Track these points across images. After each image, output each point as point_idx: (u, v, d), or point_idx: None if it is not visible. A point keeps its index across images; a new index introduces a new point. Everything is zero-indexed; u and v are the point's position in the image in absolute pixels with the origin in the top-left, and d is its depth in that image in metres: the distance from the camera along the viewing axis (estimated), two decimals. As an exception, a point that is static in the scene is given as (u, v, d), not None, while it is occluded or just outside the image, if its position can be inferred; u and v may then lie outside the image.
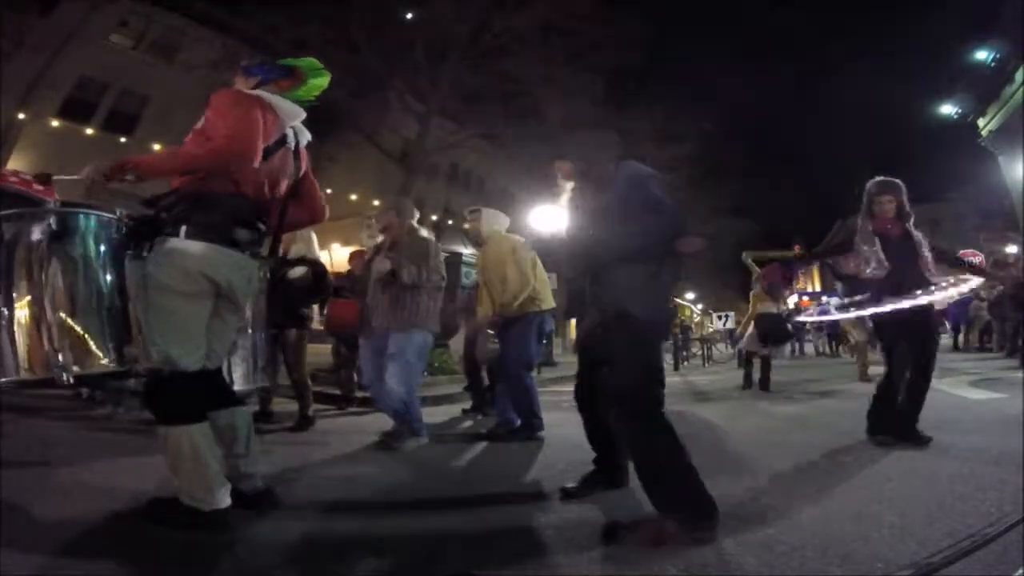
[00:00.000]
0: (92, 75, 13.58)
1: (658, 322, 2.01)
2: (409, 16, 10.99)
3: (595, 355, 2.26)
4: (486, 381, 5.08)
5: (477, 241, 4.20)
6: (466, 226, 4.28)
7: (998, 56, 17.28)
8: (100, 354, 1.94)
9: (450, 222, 15.53)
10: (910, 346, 3.28)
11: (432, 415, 4.54)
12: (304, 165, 2.30)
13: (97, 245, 1.98)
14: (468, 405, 5.34)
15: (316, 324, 4.77)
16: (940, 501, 2.15)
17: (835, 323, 13.10)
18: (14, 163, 11.23)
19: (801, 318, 3.30)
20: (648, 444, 1.93)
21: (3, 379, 1.91)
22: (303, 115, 2.23)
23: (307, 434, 4.06)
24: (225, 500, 1.94)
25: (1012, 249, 16.90)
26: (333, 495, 2.47)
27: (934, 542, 1.73)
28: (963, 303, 12.66)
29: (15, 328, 1.88)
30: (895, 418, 3.23)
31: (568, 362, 11.60)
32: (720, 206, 17.94)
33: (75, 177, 1.97)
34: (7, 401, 3.40)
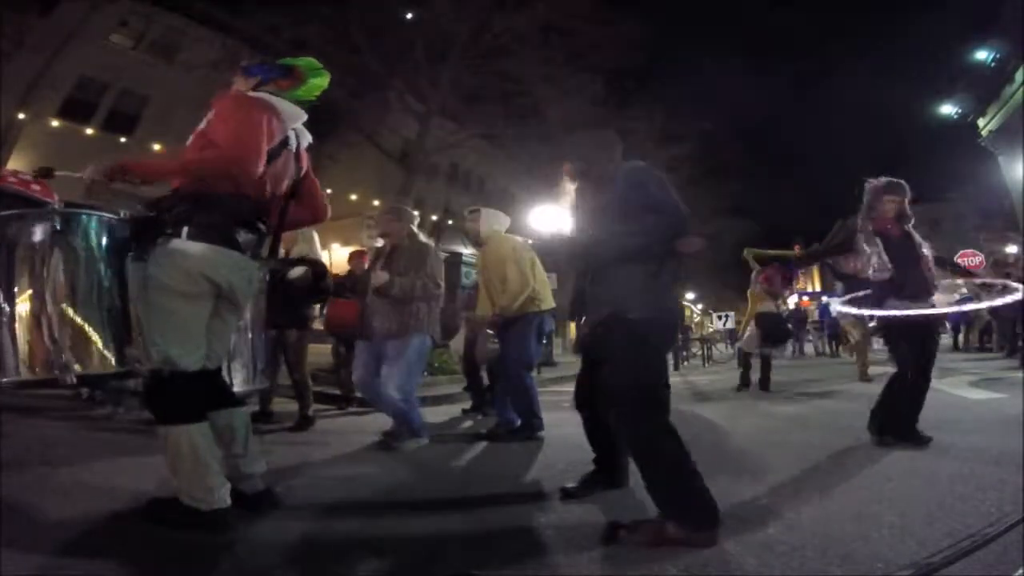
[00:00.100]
0: (92, 75, 13.59)
1: (659, 322, 1.97)
2: (409, 16, 10.99)
3: (596, 355, 2.26)
4: (486, 381, 5.08)
5: (477, 241, 4.20)
6: (466, 226, 4.28)
7: (998, 56, 17.28)
8: (102, 355, 1.94)
9: (450, 222, 15.52)
10: (910, 346, 3.29)
11: (432, 415, 4.54)
12: (305, 165, 2.31)
13: (99, 246, 1.98)
14: (468, 405, 5.34)
15: (316, 324, 4.77)
16: (940, 501, 2.15)
17: (835, 323, 13.13)
18: (14, 163, 11.23)
19: (843, 308, 3.27)
20: (648, 446, 1.92)
21: (5, 379, 1.91)
22: (304, 117, 2.23)
23: (307, 434, 4.06)
24: (225, 500, 1.94)
25: (1012, 249, 16.90)
26: (333, 495, 2.47)
27: (934, 542, 1.74)
28: (966, 301, 12.65)
29: (18, 328, 1.88)
30: (897, 418, 3.23)
31: (568, 362, 11.60)
32: (720, 206, 17.95)
33: (78, 175, 1.97)
34: (7, 401, 3.40)
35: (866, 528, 1.90)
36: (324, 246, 4.64)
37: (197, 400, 1.97)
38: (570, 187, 2.32)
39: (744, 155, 19.82)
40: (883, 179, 3.44)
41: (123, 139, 13.02)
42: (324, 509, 2.26)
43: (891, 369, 3.60)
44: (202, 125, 2.07)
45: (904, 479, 2.54)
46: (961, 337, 12.77)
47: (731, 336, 14.06)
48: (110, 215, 2.00)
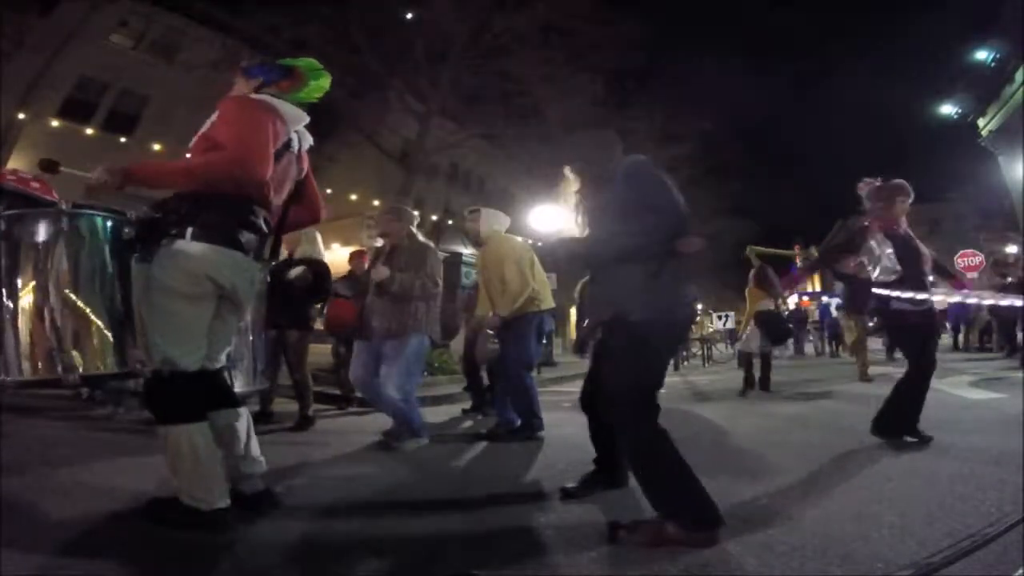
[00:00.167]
0: (92, 75, 13.57)
1: (660, 324, 1.94)
2: (409, 16, 10.98)
3: (598, 355, 2.26)
4: (486, 381, 5.08)
5: (477, 241, 4.20)
6: (466, 226, 4.28)
7: (998, 56, 17.29)
8: (106, 355, 1.95)
9: (450, 222, 15.53)
10: (910, 347, 3.30)
11: (432, 415, 4.54)
12: (305, 167, 2.32)
13: (105, 246, 1.99)
14: (468, 405, 5.35)
15: (316, 324, 4.78)
16: (940, 501, 2.15)
17: (836, 323, 13.12)
18: (14, 163, 11.23)
19: (898, 305, 3.24)
20: (649, 448, 1.92)
21: (9, 378, 1.92)
22: (306, 119, 2.25)
23: (307, 434, 4.06)
24: (225, 500, 1.94)
25: (1012, 249, 16.90)
26: (333, 495, 2.47)
27: (934, 542, 1.74)
28: (963, 303, 12.67)
29: (23, 327, 1.89)
30: (898, 418, 3.23)
31: (568, 362, 11.61)
32: (720, 206, 17.94)
33: (85, 174, 1.98)
34: (7, 401, 3.40)
35: (866, 528, 1.90)
36: (325, 246, 4.64)
37: (197, 400, 1.97)
38: (571, 189, 2.30)
39: (744, 155, 19.77)
40: (896, 180, 3.45)
41: (123, 139, 13.02)
42: (324, 509, 2.26)
43: (891, 369, 3.60)
44: (205, 127, 2.08)
45: (904, 479, 2.54)
46: (961, 337, 12.77)
47: (731, 336, 14.04)
48: (115, 215, 2.01)
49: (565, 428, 4.22)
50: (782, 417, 4.72)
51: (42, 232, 1.93)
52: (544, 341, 5.78)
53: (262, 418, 4.14)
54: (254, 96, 2.13)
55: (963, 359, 9.72)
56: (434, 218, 16.18)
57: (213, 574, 1.67)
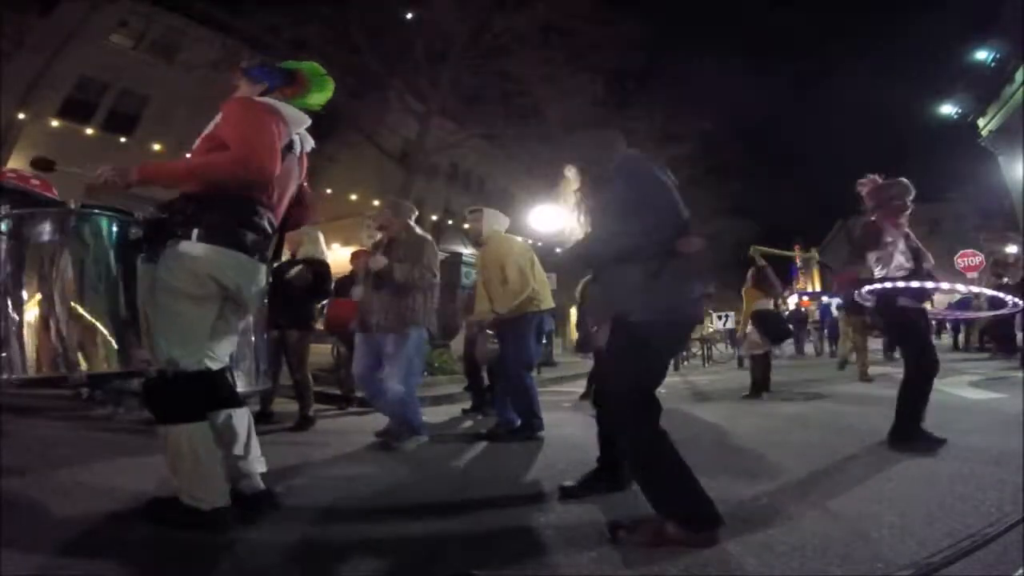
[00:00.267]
0: (92, 75, 13.58)
1: (661, 324, 1.91)
2: (409, 16, 10.98)
3: (599, 354, 2.25)
4: (486, 381, 5.08)
5: (477, 241, 4.20)
6: (466, 226, 4.28)
7: (998, 56, 17.29)
8: (111, 354, 1.96)
9: (450, 222, 15.54)
10: (912, 346, 3.29)
11: (432, 415, 4.54)
12: (304, 169, 2.34)
13: (112, 246, 2.00)
14: (468, 405, 5.35)
15: (317, 324, 4.78)
16: (940, 501, 2.15)
17: (835, 323, 13.11)
18: (14, 163, 11.23)
19: (905, 303, 3.23)
20: (648, 449, 1.92)
21: (16, 376, 1.92)
22: (308, 122, 2.26)
23: (307, 434, 4.06)
24: (225, 500, 1.94)
25: (1012, 249, 16.90)
26: (333, 495, 2.48)
27: (934, 542, 1.74)
28: (964, 303, 12.68)
29: (29, 326, 1.90)
30: (903, 419, 3.21)
31: (568, 362, 11.61)
32: (720, 206, 17.93)
33: (80, 172, 1.98)
34: (7, 401, 3.40)
35: (866, 528, 1.90)
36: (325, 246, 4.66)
37: (198, 400, 1.98)
38: (571, 188, 2.29)
39: (744, 155, 19.78)
40: (898, 179, 3.45)
41: (123, 139, 13.02)
42: (324, 509, 2.26)
43: (891, 370, 3.60)
44: (209, 129, 2.09)
45: (904, 479, 2.54)
46: (961, 337, 12.77)
47: (731, 336, 14.02)
48: (123, 216, 2.02)
49: (565, 428, 4.22)
50: (782, 417, 4.72)
51: (51, 231, 1.95)
52: (544, 341, 5.78)
53: (262, 418, 4.14)
54: (257, 99, 2.14)
55: (963, 359, 9.72)
56: (434, 218, 16.18)
57: (213, 574, 1.66)
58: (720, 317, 13.53)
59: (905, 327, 3.34)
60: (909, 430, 3.15)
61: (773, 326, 6.21)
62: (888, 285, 3.22)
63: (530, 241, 4.98)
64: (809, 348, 16.29)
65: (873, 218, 3.42)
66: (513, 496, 2.53)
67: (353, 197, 13.33)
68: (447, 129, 12.99)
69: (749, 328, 6.32)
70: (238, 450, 2.10)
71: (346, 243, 13.13)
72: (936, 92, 20.06)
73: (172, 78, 13.39)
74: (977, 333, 11.64)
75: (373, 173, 14.94)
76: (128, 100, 14.21)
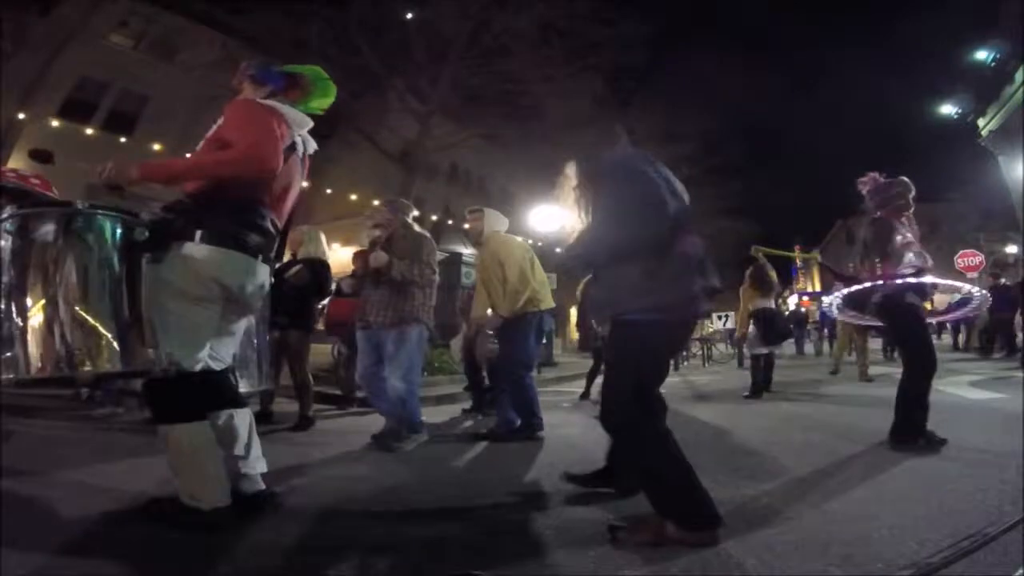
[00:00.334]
0: (92, 75, 13.58)
1: (659, 323, 1.89)
2: (409, 16, 10.98)
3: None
4: (486, 381, 5.08)
5: (477, 241, 4.20)
6: (466, 226, 4.28)
7: (998, 56, 17.29)
8: (118, 353, 1.96)
9: (450, 222, 15.53)
10: (916, 344, 3.28)
11: (432, 415, 4.54)
12: (307, 171, 2.35)
13: (117, 246, 2.01)
14: (468, 405, 5.35)
15: (318, 324, 4.79)
16: (940, 501, 2.15)
17: (835, 323, 13.11)
18: (14, 163, 11.23)
19: (912, 299, 3.22)
20: (642, 447, 1.92)
21: (19, 376, 1.93)
22: (310, 124, 2.28)
23: (307, 434, 4.06)
24: (225, 500, 1.94)
25: (1012, 249, 16.91)
26: (333, 495, 2.48)
27: (934, 542, 1.73)
28: (964, 303, 12.68)
29: (35, 325, 1.90)
30: (912, 424, 3.20)
31: (568, 362, 11.62)
32: (720, 206, 17.93)
33: (100, 171, 1.98)
34: (8, 401, 3.40)
35: (866, 528, 1.90)
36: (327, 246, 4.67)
37: (199, 400, 1.98)
38: (570, 185, 2.28)
39: (744, 155, 19.80)
40: (900, 178, 3.45)
41: (123, 139, 13.02)
42: (324, 509, 2.26)
43: (891, 370, 3.59)
44: (212, 131, 2.11)
45: (904, 479, 2.54)
46: (961, 337, 12.77)
47: (731, 336, 14.02)
48: (129, 216, 2.02)
49: (565, 428, 4.22)
50: (782, 417, 4.72)
51: (57, 230, 1.95)
52: (544, 341, 5.78)
53: (262, 418, 4.13)
54: (260, 100, 2.16)
55: (963, 359, 9.72)
56: (434, 218, 16.18)
57: (213, 574, 1.66)
58: (720, 317, 13.52)
59: (909, 325, 3.33)
60: (909, 430, 3.15)
61: (773, 326, 6.19)
62: (899, 281, 3.21)
63: (530, 241, 4.98)
64: (809, 348, 16.30)
65: (878, 215, 3.41)
66: (513, 496, 2.53)
67: (353, 197, 13.31)
68: (447, 129, 12.98)
69: (751, 328, 6.29)
70: (239, 450, 2.10)
71: (346, 243, 13.11)
72: (936, 92, 20.08)
73: (172, 78, 13.40)
74: (977, 334, 11.65)
75: (373, 173, 14.92)
76: (128, 100, 14.22)
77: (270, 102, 2.15)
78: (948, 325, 13.28)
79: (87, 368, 1.92)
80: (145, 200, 2.10)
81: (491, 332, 3.92)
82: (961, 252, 13.94)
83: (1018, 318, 9.91)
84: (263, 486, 2.17)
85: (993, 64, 17.62)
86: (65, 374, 1.95)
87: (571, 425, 4.43)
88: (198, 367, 1.98)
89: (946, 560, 1.62)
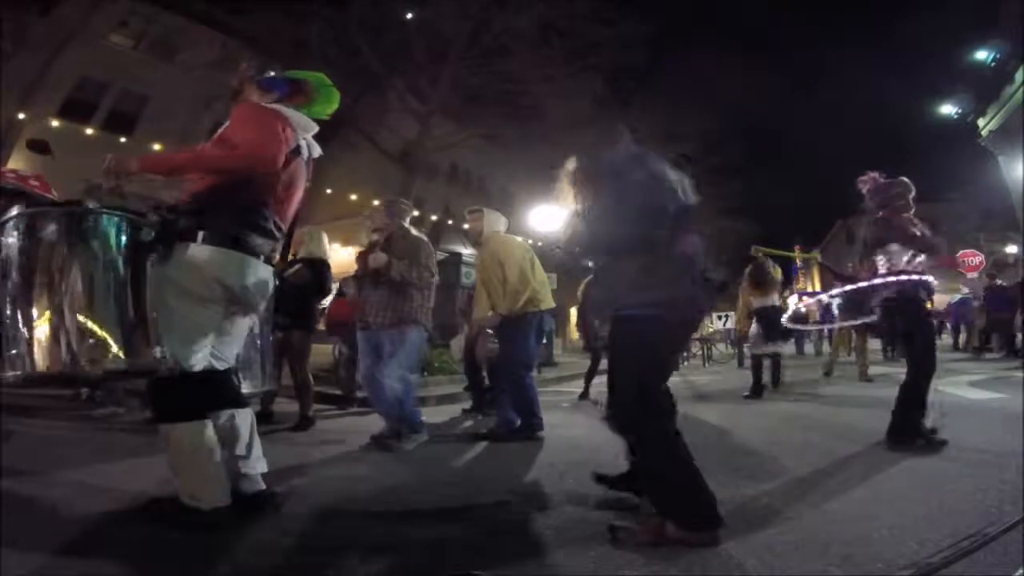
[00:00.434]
0: (92, 75, 13.58)
1: (659, 321, 1.88)
2: (409, 16, 10.98)
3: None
4: (486, 381, 5.08)
5: (477, 241, 4.20)
6: (466, 226, 4.29)
7: (998, 56, 17.28)
8: (123, 352, 1.98)
9: (450, 222, 15.53)
10: (920, 342, 3.28)
11: (432, 415, 4.54)
12: (310, 175, 2.37)
13: (124, 245, 2.02)
14: (468, 405, 5.35)
15: (319, 324, 4.79)
16: (940, 501, 2.15)
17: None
18: (14, 163, 11.23)
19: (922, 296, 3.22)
20: (647, 447, 1.91)
21: (24, 374, 1.93)
22: (315, 128, 2.30)
23: (307, 434, 4.06)
24: (225, 500, 1.95)
25: (1012, 249, 16.91)
26: (333, 495, 2.48)
27: (934, 542, 1.73)
28: (964, 303, 12.70)
29: (39, 325, 1.91)
30: (903, 419, 3.21)
31: (568, 362, 11.61)
32: (720, 206, 17.93)
33: (104, 169, 1.99)
34: (8, 401, 3.40)
35: (866, 528, 1.90)
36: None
37: (201, 400, 1.99)
38: (570, 183, 2.27)
39: (744, 155, 19.80)
40: (900, 178, 3.45)
41: (123, 139, 13.02)
42: (324, 509, 2.26)
43: (891, 370, 3.59)
44: (218, 133, 2.13)
45: (904, 479, 2.54)
46: (962, 337, 12.77)
47: (731, 336, 14.01)
48: (135, 216, 2.04)
49: (565, 428, 4.22)
50: (782, 417, 4.72)
51: (64, 230, 1.97)
52: (544, 341, 5.77)
53: (262, 418, 4.13)
54: (265, 104, 2.19)
55: (963, 359, 9.72)
56: (434, 218, 16.19)
57: (213, 574, 1.66)
58: (720, 317, 13.52)
59: (920, 323, 3.32)
60: (908, 430, 3.15)
61: (775, 325, 6.14)
62: (878, 281, 3.22)
63: (530, 241, 4.98)
64: (809, 348, 16.28)
65: (880, 215, 3.41)
66: (513, 496, 2.53)
67: (353, 197, 13.31)
68: (447, 129, 12.99)
69: (753, 327, 6.26)
70: (240, 450, 2.10)
71: (346, 243, 13.11)
72: (936, 92, 20.06)
73: (172, 78, 13.40)
74: (977, 334, 11.65)
75: (373, 173, 14.93)
76: (128, 100, 14.22)
77: (275, 106, 2.18)
78: (948, 325, 13.29)
79: (93, 367, 1.93)
80: (149, 201, 2.11)
81: (491, 332, 3.92)
82: (961, 252, 13.94)
83: (1018, 318, 9.91)
84: (263, 486, 2.17)
85: (993, 64, 17.61)
86: (71, 372, 1.95)
87: (571, 425, 4.43)
88: (200, 367, 1.99)
89: (946, 560, 1.62)
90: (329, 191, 13.52)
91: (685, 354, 12.19)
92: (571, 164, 2.21)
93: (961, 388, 5.67)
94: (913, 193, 3.40)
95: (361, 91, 11.29)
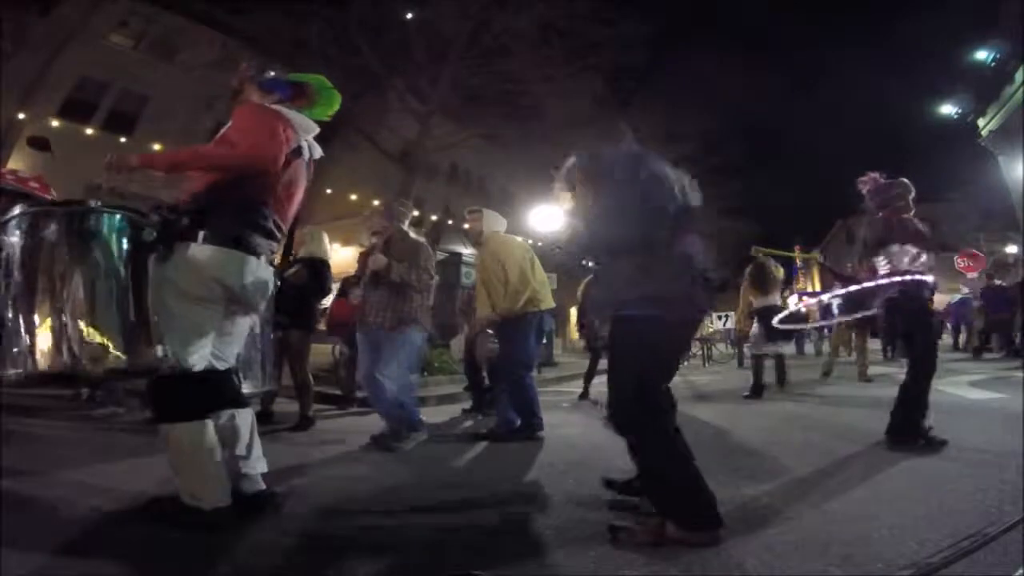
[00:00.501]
0: (92, 75, 13.59)
1: (658, 320, 1.87)
2: (409, 16, 10.98)
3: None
4: (486, 381, 5.08)
5: (477, 241, 4.20)
6: (466, 226, 4.29)
7: (998, 56, 17.28)
8: (124, 351, 1.99)
9: (450, 222, 15.53)
10: (922, 342, 3.28)
11: (432, 415, 4.54)
12: (311, 175, 2.38)
13: (125, 245, 2.03)
14: (468, 405, 5.35)
15: (319, 324, 4.79)
16: (940, 501, 2.15)
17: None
18: (14, 163, 11.23)
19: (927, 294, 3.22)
20: (643, 447, 1.91)
21: (30, 370, 1.94)
22: (316, 129, 2.31)
23: (307, 434, 4.06)
24: (226, 499, 1.95)
25: (1012, 249, 16.91)
26: (333, 495, 2.48)
27: (934, 542, 1.73)
28: (964, 303, 12.70)
29: (40, 323, 1.91)
30: (903, 419, 3.20)
31: (568, 362, 11.61)
32: (720, 206, 17.92)
33: (105, 166, 2.00)
34: (7, 401, 3.40)
35: (866, 528, 1.90)
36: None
37: (201, 400, 1.99)
38: (570, 183, 2.27)
39: (744, 155, 19.80)
40: (900, 179, 3.45)
41: (123, 139, 13.03)
42: (324, 509, 2.26)
43: (891, 370, 3.58)
44: (220, 134, 2.13)
45: (904, 479, 2.54)
46: (962, 337, 12.77)
47: (731, 336, 14.01)
48: (137, 216, 2.04)
49: (565, 428, 4.22)
50: (782, 417, 4.72)
51: (68, 228, 1.97)
52: (544, 341, 5.77)
53: (262, 418, 4.13)
54: (266, 105, 2.20)
55: (963, 359, 9.72)
56: (434, 218, 16.19)
57: (213, 574, 1.66)
58: (720, 317, 13.51)
59: (923, 322, 3.31)
60: (908, 430, 3.15)
61: (776, 325, 6.12)
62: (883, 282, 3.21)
63: (530, 241, 4.98)
64: (809, 348, 16.28)
65: (880, 215, 3.41)
66: (513, 496, 2.53)
67: (353, 197, 13.32)
68: (447, 129, 12.98)
69: (755, 327, 6.24)
70: (240, 450, 2.11)
71: (346, 243, 13.11)
72: (936, 92, 20.05)
73: (172, 78, 13.40)
74: (977, 334, 11.65)
75: (373, 173, 14.92)
76: (128, 100, 14.22)
77: (276, 107, 2.19)
78: (948, 325, 13.28)
79: (94, 366, 1.93)
80: (147, 200, 2.12)
81: (491, 332, 3.92)
82: (961, 252, 13.93)
83: (1018, 318, 9.91)
84: (263, 486, 2.17)
85: (993, 64, 17.60)
86: (72, 371, 1.96)
87: (571, 425, 4.43)
88: (200, 366, 1.99)
89: (946, 560, 1.62)
90: (329, 191, 13.53)
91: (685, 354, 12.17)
92: (571, 163, 2.20)
93: (961, 388, 5.67)
94: (913, 194, 3.40)
95: (361, 91, 11.28)
